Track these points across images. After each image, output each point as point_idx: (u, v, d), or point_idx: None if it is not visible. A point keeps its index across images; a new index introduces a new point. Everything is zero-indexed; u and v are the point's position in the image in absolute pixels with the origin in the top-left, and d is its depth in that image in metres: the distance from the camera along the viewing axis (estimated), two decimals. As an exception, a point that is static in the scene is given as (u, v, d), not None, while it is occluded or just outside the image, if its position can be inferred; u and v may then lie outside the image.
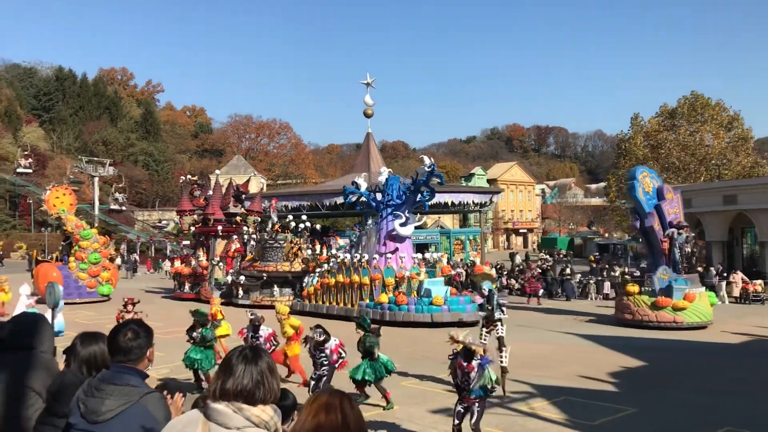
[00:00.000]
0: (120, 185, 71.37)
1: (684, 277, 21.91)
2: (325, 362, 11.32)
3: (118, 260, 43.42)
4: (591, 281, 32.34)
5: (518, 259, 38.50)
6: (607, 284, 31.85)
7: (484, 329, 13.21)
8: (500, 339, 13.04)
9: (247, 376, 2.69)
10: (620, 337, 19.85)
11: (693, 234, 22.98)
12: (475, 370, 8.62)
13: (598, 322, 23.61)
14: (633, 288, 22.25)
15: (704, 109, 52.60)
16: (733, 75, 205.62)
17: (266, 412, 2.69)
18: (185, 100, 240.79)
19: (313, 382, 11.35)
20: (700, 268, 23.48)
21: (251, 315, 13.75)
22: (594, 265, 37.47)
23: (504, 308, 13.55)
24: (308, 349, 11.52)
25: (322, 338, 11.26)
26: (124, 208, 69.27)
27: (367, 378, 11.57)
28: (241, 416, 2.64)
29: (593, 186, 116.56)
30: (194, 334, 12.99)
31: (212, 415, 2.66)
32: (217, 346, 13.64)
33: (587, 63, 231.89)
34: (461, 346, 8.89)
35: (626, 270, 32.76)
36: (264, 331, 13.52)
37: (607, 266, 34.29)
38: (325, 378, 11.33)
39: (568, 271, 33.12)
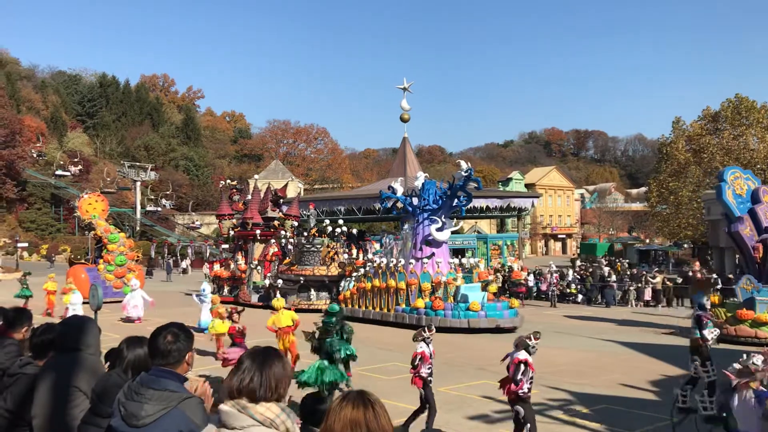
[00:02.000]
0: (167, 192, 72.91)
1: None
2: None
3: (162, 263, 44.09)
4: (631, 288, 31.79)
5: (578, 264, 38.05)
6: (648, 291, 31.26)
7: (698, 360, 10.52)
8: (710, 384, 10.43)
9: (252, 374, 2.72)
10: (662, 345, 19.46)
11: None
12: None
13: (679, 334, 21.44)
14: (714, 299, 21.07)
15: (749, 113, 51.31)
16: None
17: (271, 410, 2.69)
18: (225, 106, 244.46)
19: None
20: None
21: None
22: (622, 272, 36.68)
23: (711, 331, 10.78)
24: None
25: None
26: (159, 209, 70.65)
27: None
28: (246, 414, 2.66)
29: (634, 191, 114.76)
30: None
31: (221, 418, 2.71)
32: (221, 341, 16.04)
33: (628, 65, 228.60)
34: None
35: (667, 276, 32.20)
36: None
37: (645, 273, 33.62)
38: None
39: (609, 276, 32.61)
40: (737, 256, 41.43)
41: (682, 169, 52.74)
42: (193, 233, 71.46)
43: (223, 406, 2.73)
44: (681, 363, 16.21)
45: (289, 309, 16.60)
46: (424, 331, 10.38)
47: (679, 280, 32.04)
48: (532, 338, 8.98)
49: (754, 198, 21.01)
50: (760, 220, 20.53)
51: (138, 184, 70.76)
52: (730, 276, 25.41)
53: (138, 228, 69.04)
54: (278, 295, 27.66)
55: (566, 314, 27.68)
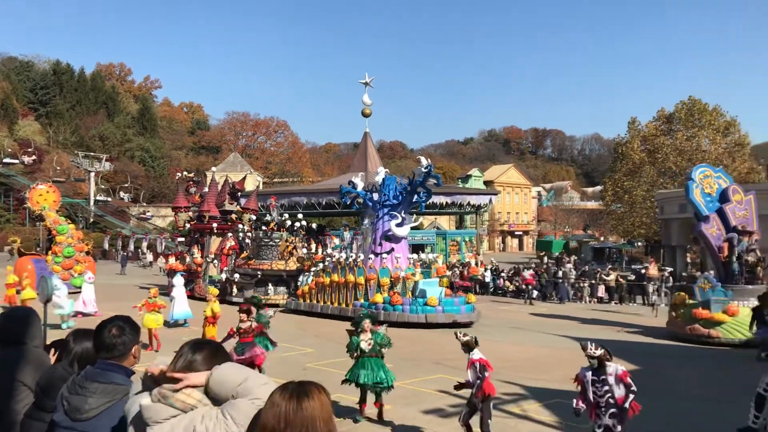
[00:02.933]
0: (125, 185, 71.54)
1: (736, 288, 19.55)
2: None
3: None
4: (585, 284, 32.38)
5: (545, 259, 38.42)
6: (601, 287, 31.90)
7: (767, 380, 9.21)
8: None
9: (178, 362, 2.68)
10: (616, 341, 19.85)
11: (756, 241, 20.12)
12: None
13: (645, 333, 21.73)
14: (680, 297, 20.91)
15: (701, 115, 52.69)
16: (731, 81, 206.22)
17: (192, 396, 2.62)
18: (183, 97, 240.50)
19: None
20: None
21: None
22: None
23: None
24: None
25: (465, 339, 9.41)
26: (109, 199, 69.31)
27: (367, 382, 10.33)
28: (165, 404, 2.59)
29: (589, 189, 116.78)
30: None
31: (144, 415, 2.63)
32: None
33: (585, 66, 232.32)
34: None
35: (620, 274, 32.89)
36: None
37: (599, 270, 34.28)
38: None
39: (561, 273, 33.18)
40: (687, 254, 42.64)
41: (636, 168, 53.87)
42: (147, 225, 70.21)
43: (143, 401, 2.65)
44: (634, 359, 16.57)
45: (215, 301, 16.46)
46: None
47: (632, 278, 32.75)
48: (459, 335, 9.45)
49: (724, 197, 20.72)
50: (729, 219, 20.31)
51: (92, 174, 69.18)
52: (696, 274, 25.55)
53: (91, 219, 67.53)
54: (273, 293, 27.59)
55: (523, 310, 28.05)
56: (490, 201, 46.85)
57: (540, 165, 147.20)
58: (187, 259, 31.93)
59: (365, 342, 10.44)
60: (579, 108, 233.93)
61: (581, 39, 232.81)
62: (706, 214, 20.46)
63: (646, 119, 57.13)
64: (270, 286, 27.94)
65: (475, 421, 9.16)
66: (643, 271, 32.81)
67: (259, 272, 28.06)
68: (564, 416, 10.80)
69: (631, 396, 7.68)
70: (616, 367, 7.78)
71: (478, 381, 8.99)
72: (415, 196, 23.85)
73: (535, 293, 32.20)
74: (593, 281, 32.45)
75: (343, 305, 24.31)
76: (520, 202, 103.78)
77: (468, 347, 9.18)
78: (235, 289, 28.46)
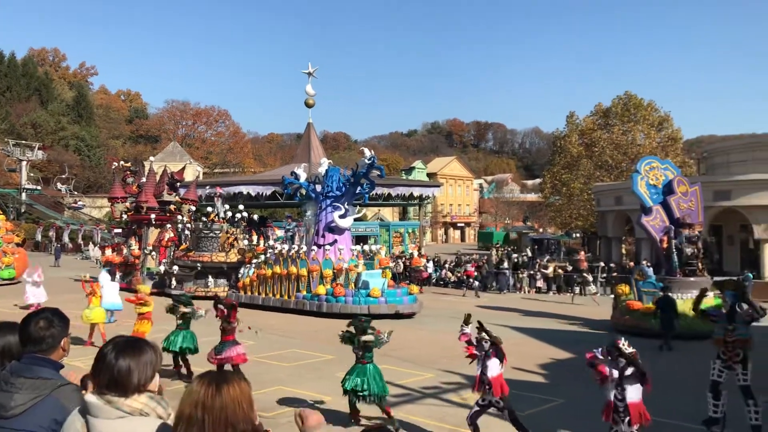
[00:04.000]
0: (63, 176, 69.10)
1: (674, 280, 19.60)
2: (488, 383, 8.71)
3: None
4: (524, 275, 33.07)
5: (493, 252, 38.93)
6: (539, 277, 32.63)
7: (719, 361, 9.42)
8: (744, 389, 9.17)
9: (118, 367, 2.65)
10: (554, 330, 20.36)
11: (698, 234, 20.02)
12: None
13: (589, 325, 21.92)
14: (622, 289, 21.08)
15: (637, 110, 54.26)
16: (665, 77, 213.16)
17: (138, 401, 2.64)
18: (120, 84, 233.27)
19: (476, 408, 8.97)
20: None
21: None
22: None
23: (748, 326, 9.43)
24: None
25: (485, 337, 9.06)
26: (38, 188, 66.96)
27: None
28: (112, 408, 2.60)
29: (529, 182, 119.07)
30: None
31: (88, 409, 2.62)
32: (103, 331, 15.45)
33: (526, 60, 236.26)
34: None
35: (557, 265, 33.71)
36: None
37: (538, 261, 35.06)
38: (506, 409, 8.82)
39: (504, 264, 33.78)
40: (622, 245, 43.97)
41: (574, 162, 55.11)
42: (82, 216, 68.11)
43: (89, 397, 2.64)
44: (570, 347, 17.05)
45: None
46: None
47: (569, 268, 33.59)
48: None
49: (669, 189, 20.67)
50: (673, 211, 20.33)
51: (24, 163, 66.58)
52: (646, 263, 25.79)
53: (23, 209, 65.06)
54: (213, 286, 26.97)
55: (464, 301, 28.44)
56: (433, 193, 47.23)
57: (482, 158, 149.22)
58: (125, 251, 31.16)
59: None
60: (520, 102, 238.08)
61: (523, 33, 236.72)
62: (650, 205, 20.55)
63: (584, 114, 58.48)
64: (210, 279, 27.52)
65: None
66: (576, 260, 33.72)
67: (198, 264, 27.60)
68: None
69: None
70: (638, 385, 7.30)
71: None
72: (359, 188, 23.83)
73: (476, 283, 32.71)
74: (532, 272, 33.16)
75: (285, 297, 24.18)
76: (463, 194, 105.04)
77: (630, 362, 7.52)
78: (174, 282, 27.91)
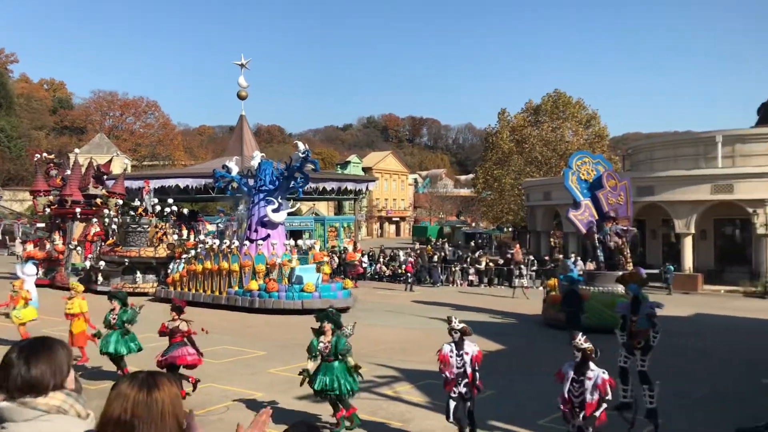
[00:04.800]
0: None
1: (597, 273, 20.07)
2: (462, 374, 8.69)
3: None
4: (456, 268, 33.55)
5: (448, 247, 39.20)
6: (472, 271, 33.17)
7: (623, 349, 9.73)
8: (642, 375, 9.52)
9: (23, 371, 2.56)
10: (484, 323, 20.72)
11: (622, 227, 20.07)
12: None
13: (519, 318, 22.58)
14: (550, 283, 21.48)
15: (566, 107, 55.83)
16: (593, 77, 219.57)
17: (56, 398, 2.57)
18: (43, 73, 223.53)
19: (453, 403, 8.74)
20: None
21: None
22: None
23: (656, 323, 9.65)
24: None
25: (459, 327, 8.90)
26: None
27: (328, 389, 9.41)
28: (28, 408, 2.52)
29: (462, 177, 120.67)
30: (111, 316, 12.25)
31: (2, 415, 2.52)
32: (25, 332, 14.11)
33: (461, 57, 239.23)
34: None
35: (489, 258, 34.35)
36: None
37: (471, 255, 35.64)
38: (469, 403, 8.80)
39: (436, 258, 34.18)
40: (551, 239, 45.20)
41: (505, 158, 56.25)
42: (2, 209, 65.12)
43: (1, 404, 2.51)
44: (499, 339, 17.41)
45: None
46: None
47: (501, 262, 34.28)
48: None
49: (598, 183, 20.82)
50: (602, 205, 20.47)
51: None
52: (575, 256, 26.52)
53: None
54: (142, 281, 26.12)
55: (398, 295, 28.63)
56: (367, 188, 47.30)
57: (417, 153, 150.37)
58: (48, 246, 29.99)
59: (323, 344, 9.61)
60: (454, 98, 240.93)
61: (457, 30, 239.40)
62: (579, 200, 20.82)
63: (515, 111, 59.66)
64: (138, 274, 26.81)
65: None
66: (509, 255, 34.45)
67: (126, 260, 26.83)
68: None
69: (603, 405, 7.49)
70: (598, 373, 7.50)
71: (472, 375, 8.67)
72: (293, 182, 23.62)
73: (410, 277, 33.02)
74: (464, 265, 33.68)
75: (217, 293, 23.77)
76: (398, 188, 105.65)
77: (463, 334, 8.54)
78: (100, 278, 27.05)
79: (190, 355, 11.19)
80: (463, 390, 8.63)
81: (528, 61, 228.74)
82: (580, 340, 7.63)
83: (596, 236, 20.34)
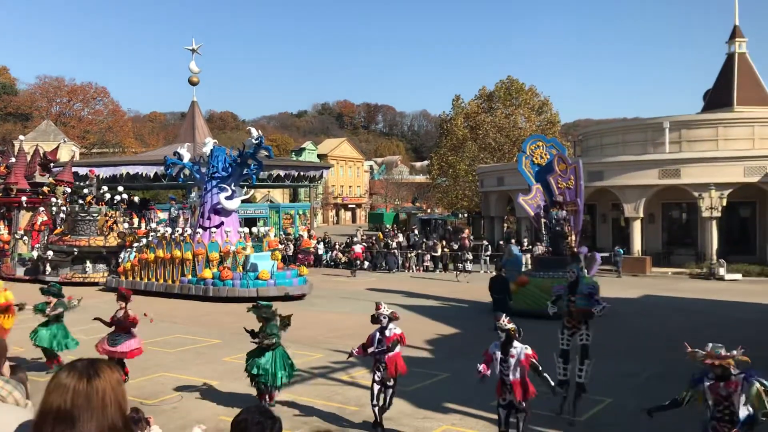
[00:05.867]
0: None
1: (545, 258, 20.03)
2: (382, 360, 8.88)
3: None
4: (411, 254, 33.72)
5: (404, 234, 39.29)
6: (427, 257, 33.37)
7: (566, 330, 9.99)
8: (584, 348, 9.81)
9: None
10: (438, 307, 20.92)
11: (565, 212, 19.73)
12: (740, 387, 5.90)
13: (468, 303, 23.03)
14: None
15: (518, 94, 56.38)
16: (545, 64, 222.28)
17: (4, 389, 2.51)
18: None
19: (377, 387, 8.91)
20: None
21: None
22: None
23: (599, 300, 9.95)
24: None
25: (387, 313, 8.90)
26: None
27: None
28: None
29: (418, 164, 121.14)
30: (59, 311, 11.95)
31: None
32: None
33: (416, 43, 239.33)
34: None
35: (444, 244, 34.59)
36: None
37: (425, 241, 35.83)
38: (391, 391, 9.02)
39: (393, 244, 34.29)
40: (505, 224, 45.78)
41: (460, 144, 56.56)
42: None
43: None
44: (453, 323, 17.60)
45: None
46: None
47: (456, 247, 34.54)
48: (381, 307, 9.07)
49: (549, 168, 20.49)
50: (552, 189, 20.26)
51: None
52: (514, 242, 26.90)
53: None
54: (92, 271, 25.40)
55: (354, 281, 28.65)
56: (322, 174, 47.13)
57: (372, 139, 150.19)
58: (-8, 237, 29.08)
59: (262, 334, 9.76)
60: (409, 85, 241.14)
61: (411, 17, 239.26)
62: (531, 184, 20.73)
63: (469, 97, 60.00)
64: (88, 264, 26.22)
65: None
66: (461, 238, 34.75)
67: (75, 249, 26.19)
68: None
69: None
70: (521, 349, 7.65)
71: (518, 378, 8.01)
72: (246, 169, 23.34)
73: (366, 264, 33.08)
74: (420, 251, 33.87)
75: (170, 282, 23.44)
76: (353, 175, 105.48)
77: (510, 337, 7.80)
78: (48, 268, 26.36)
79: (136, 349, 11.07)
80: (378, 374, 8.87)
81: (481, 48, 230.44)
82: (504, 321, 7.80)
83: (542, 221, 20.45)
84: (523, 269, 22.71)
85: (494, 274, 18.50)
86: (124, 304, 11.15)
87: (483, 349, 14.17)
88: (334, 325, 17.05)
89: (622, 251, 30.86)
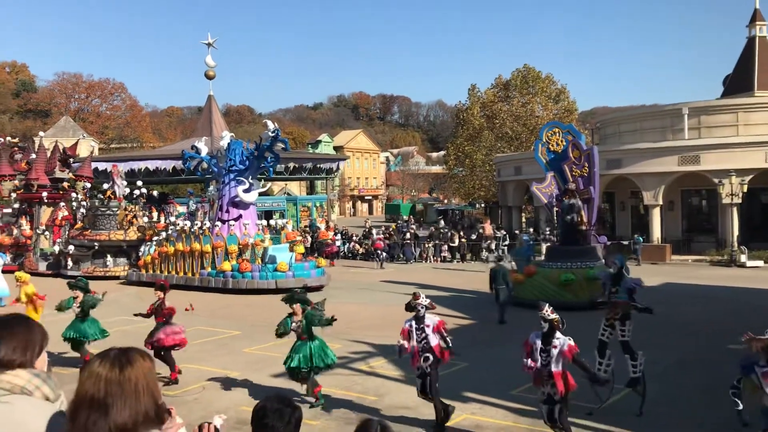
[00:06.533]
0: None
1: (557, 248, 19.65)
2: (427, 348, 8.63)
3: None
4: (429, 245, 33.70)
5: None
6: (445, 247, 33.34)
7: (605, 322, 9.71)
8: (622, 344, 9.54)
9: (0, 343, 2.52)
10: (457, 297, 20.91)
11: (575, 201, 19.03)
12: None
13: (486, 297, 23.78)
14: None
15: (535, 82, 55.91)
16: (562, 51, 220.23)
17: (20, 377, 2.50)
18: (4, 56, 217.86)
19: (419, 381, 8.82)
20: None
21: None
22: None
23: (636, 301, 9.61)
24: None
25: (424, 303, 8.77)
26: None
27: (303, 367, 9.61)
28: None
29: (434, 154, 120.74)
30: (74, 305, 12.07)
31: None
32: None
33: (429, 33, 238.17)
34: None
35: (462, 234, 34.53)
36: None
37: (444, 231, 35.76)
38: (429, 378, 8.71)
39: (408, 235, 34.30)
40: (522, 214, 45.60)
41: (476, 134, 56.32)
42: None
43: None
44: (471, 313, 17.60)
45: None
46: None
47: (474, 237, 34.49)
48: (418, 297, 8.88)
49: (564, 155, 19.79)
50: (566, 177, 19.63)
51: None
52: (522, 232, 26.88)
53: None
54: (112, 265, 25.74)
55: (372, 273, 28.70)
56: (338, 166, 47.18)
57: (388, 130, 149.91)
58: (15, 232, 29.48)
59: (295, 324, 9.78)
60: (424, 75, 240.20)
61: (426, 6, 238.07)
62: (546, 173, 20.23)
63: (485, 86, 59.62)
64: (109, 258, 26.51)
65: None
66: (480, 230, 34.68)
67: (96, 243, 26.49)
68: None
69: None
70: (564, 341, 7.50)
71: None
72: (263, 161, 23.44)
73: (384, 255, 33.16)
74: (438, 241, 33.83)
75: (189, 274, 23.65)
76: (369, 167, 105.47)
77: (553, 328, 7.63)
78: (70, 262, 26.70)
79: (175, 334, 11.21)
80: (425, 364, 8.64)
81: (497, 36, 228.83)
82: (547, 310, 7.63)
83: (555, 210, 19.97)
84: (537, 259, 22.56)
85: (493, 265, 18.09)
86: (162, 295, 11.34)
87: (500, 339, 14.25)
88: (352, 316, 17.11)
89: (641, 239, 30.63)
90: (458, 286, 23.50)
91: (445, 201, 77.93)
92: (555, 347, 7.50)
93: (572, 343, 7.51)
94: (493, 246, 31.70)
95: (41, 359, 2.64)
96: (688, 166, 31.03)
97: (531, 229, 31.92)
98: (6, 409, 2.42)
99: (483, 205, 59.78)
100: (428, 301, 8.88)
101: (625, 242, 31.06)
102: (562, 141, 20.15)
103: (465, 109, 59.15)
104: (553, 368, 7.49)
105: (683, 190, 33.62)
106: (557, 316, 7.59)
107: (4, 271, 28.03)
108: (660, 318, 16.82)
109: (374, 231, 36.24)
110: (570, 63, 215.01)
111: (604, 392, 9.37)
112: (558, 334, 7.58)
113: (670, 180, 31.66)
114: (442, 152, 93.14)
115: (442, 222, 39.39)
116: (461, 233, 34.59)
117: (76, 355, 12.06)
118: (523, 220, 44.92)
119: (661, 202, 32.03)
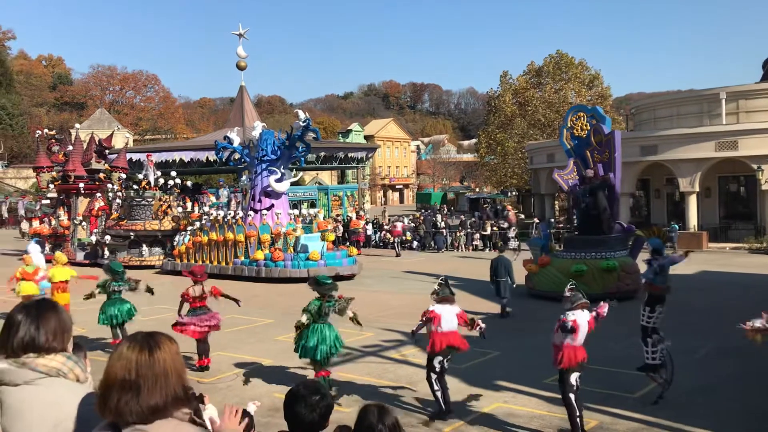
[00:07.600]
0: None
1: (575, 237, 19.27)
2: None
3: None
4: (461, 233, 33.56)
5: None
6: (476, 236, 33.17)
7: (647, 308, 9.44)
8: (642, 329, 9.49)
9: (30, 329, 2.60)
10: (487, 285, 20.76)
11: (586, 187, 18.52)
12: None
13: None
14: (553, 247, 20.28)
15: (568, 68, 55.09)
16: (595, 37, 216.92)
17: (56, 360, 2.60)
18: (41, 49, 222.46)
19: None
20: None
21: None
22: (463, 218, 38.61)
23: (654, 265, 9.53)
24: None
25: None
26: None
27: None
28: (27, 369, 2.55)
29: (465, 142, 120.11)
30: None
31: (1, 378, 2.55)
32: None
33: (460, 20, 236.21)
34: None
35: (494, 222, 34.31)
36: None
37: (476, 220, 35.58)
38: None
39: (440, 224, 34.21)
40: (556, 201, 45.13)
41: (508, 121, 55.78)
42: (7, 187, 65.31)
43: (0, 365, 2.54)
44: (499, 300, 17.44)
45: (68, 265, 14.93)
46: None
47: (505, 225, 34.24)
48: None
49: (587, 141, 18.88)
50: (588, 163, 18.82)
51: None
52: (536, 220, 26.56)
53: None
54: (148, 255, 26.29)
55: (402, 261, 28.70)
56: (368, 156, 47.19)
57: (418, 119, 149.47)
58: (53, 222, 30.15)
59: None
60: (454, 62, 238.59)
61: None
62: (568, 158, 19.54)
63: (517, 73, 58.97)
64: (144, 247, 26.94)
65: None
66: (505, 213, 34.34)
67: (131, 233, 26.94)
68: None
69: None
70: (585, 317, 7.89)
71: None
72: (294, 151, 23.55)
73: (415, 243, 33.16)
74: (469, 230, 33.66)
75: (223, 263, 23.94)
76: (400, 156, 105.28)
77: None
78: (106, 252, 27.21)
79: (214, 320, 11.39)
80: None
81: (529, 22, 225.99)
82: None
83: (572, 197, 19.43)
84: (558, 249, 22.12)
85: (496, 255, 17.35)
86: (202, 280, 11.69)
87: (530, 327, 14.12)
88: (384, 304, 17.16)
89: (677, 227, 30.10)
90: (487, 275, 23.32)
91: (477, 189, 77.48)
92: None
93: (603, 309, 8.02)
94: (512, 234, 31.38)
95: (70, 343, 2.75)
96: (725, 151, 30.35)
97: (551, 219, 31.50)
98: (42, 390, 2.54)
99: (515, 193, 59.27)
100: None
101: (657, 226, 30.52)
102: (586, 125, 19.02)
103: (497, 96, 58.58)
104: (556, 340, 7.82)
105: (720, 177, 32.91)
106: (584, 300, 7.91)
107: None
108: (697, 306, 16.59)
109: (406, 219, 36.17)
110: (604, 48, 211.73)
111: (659, 377, 9.31)
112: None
113: (707, 166, 31.01)
114: (474, 140, 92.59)
115: (474, 217, 39.13)
116: (493, 221, 34.36)
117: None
118: (557, 208, 44.44)
119: (697, 189, 31.39)
